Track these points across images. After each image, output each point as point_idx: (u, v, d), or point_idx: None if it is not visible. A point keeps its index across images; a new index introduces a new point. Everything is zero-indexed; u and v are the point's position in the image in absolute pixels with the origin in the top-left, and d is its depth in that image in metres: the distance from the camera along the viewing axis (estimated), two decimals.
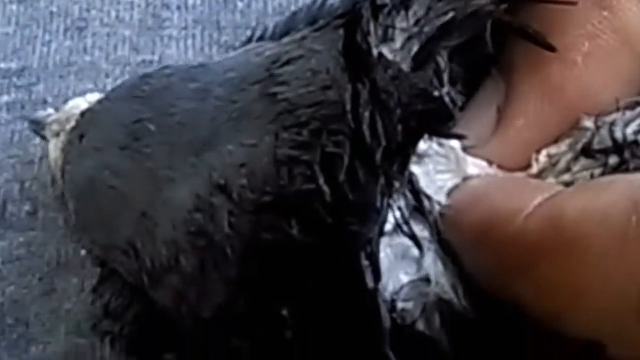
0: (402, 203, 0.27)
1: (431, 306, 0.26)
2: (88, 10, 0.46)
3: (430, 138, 0.28)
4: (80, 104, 0.38)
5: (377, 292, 0.25)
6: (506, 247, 0.26)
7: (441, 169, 0.28)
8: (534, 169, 0.29)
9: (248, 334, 0.27)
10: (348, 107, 0.27)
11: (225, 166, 0.28)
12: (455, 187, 0.28)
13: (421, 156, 0.28)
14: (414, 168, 0.28)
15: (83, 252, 0.38)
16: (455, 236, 0.27)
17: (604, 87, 0.28)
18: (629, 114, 0.28)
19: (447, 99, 0.27)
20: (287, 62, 0.29)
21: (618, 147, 0.28)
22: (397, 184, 0.26)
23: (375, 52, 0.27)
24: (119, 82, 0.43)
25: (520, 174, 0.29)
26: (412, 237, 0.27)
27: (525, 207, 0.26)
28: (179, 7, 0.46)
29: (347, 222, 0.26)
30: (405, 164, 0.27)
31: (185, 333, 0.29)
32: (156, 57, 0.44)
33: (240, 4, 0.46)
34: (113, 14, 0.46)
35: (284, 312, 0.26)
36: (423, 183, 0.28)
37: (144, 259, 0.30)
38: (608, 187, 0.25)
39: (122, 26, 0.46)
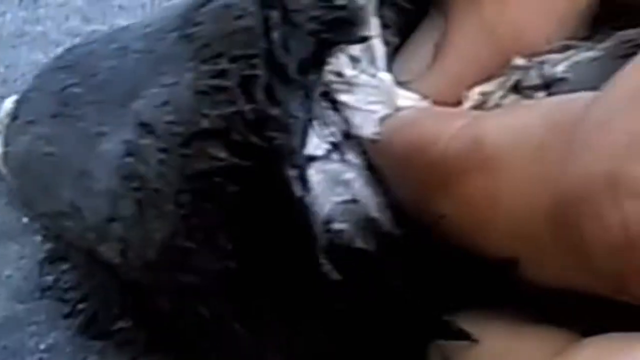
0: (333, 130, 0.28)
1: (361, 225, 0.27)
2: None
3: (357, 67, 0.29)
4: None
5: (305, 201, 0.26)
6: (430, 168, 0.26)
7: (372, 99, 0.29)
8: (466, 105, 0.29)
9: (194, 269, 0.28)
10: (260, 30, 0.27)
11: (149, 108, 0.29)
12: (387, 116, 0.29)
13: (351, 84, 0.29)
14: (344, 97, 0.29)
15: (25, 219, 0.38)
16: (385, 160, 0.28)
17: (536, 26, 0.29)
18: (560, 55, 0.29)
19: (356, 6, 0.28)
20: (202, 5, 0.30)
21: (547, 83, 0.28)
22: (315, 94, 0.27)
23: None
24: None
25: (453, 109, 0.29)
26: (343, 161, 0.28)
27: (450, 129, 0.27)
28: None
29: (271, 137, 0.27)
30: (319, 74, 0.28)
31: (135, 287, 0.30)
32: (106, 27, 0.45)
33: None
34: None
35: (224, 241, 0.27)
36: (353, 111, 0.29)
37: (87, 216, 0.30)
38: (526, 108, 0.26)
39: None
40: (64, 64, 0.33)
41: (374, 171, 0.28)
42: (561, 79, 0.29)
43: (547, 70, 0.29)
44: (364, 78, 0.29)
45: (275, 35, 0.27)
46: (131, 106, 0.29)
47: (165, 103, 0.28)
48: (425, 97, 0.30)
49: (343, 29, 0.28)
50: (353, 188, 0.28)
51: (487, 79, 0.29)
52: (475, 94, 0.29)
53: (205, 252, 0.27)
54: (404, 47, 0.31)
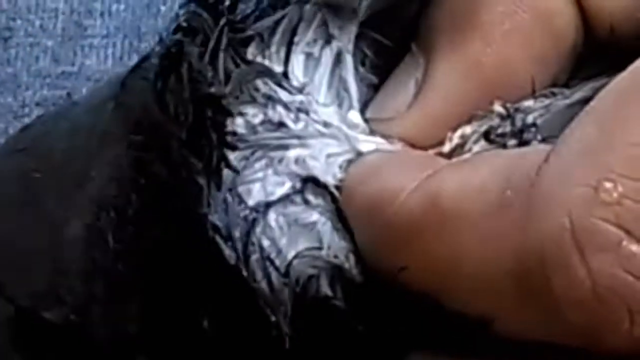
0: (286, 179, 0.29)
1: (326, 272, 0.27)
2: (14, 20, 0.45)
3: (300, 119, 0.29)
4: None
5: (239, 266, 0.27)
6: (390, 224, 0.26)
7: (331, 151, 0.29)
8: (446, 147, 0.29)
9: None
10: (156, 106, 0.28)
11: (99, 188, 0.29)
12: (350, 161, 0.29)
13: (301, 138, 0.29)
14: (296, 151, 0.29)
15: None
16: (348, 209, 0.28)
17: (521, 66, 0.29)
18: (537, 104, 0.29)
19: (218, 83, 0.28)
20: (132, 70, 0.30)
21: (517, 131, 0.28)
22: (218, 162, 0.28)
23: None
24: (38, 95, 0.42)
25: (430, 152, 0.29)
26: (306, 203, 0.28)
27: (410, 183, 0.26)
28: (102, 14, 0.45)
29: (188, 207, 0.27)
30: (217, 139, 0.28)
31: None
32: (75, 69, 0.44)
33: (163, 8, 0.44)
34: (37, 23, 0.45)
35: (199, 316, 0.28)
36: (311, 163, 0.29)
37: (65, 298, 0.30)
38: (482, 162, 0.26)
39: (45, 36, 0.45)
40: (22, 147, 0.33)
41: (340, 215, 0.28)
42: (533, 125, 0.28)
43: (520, 118, 0.28)
44: (313, 130, 0.29)
45: (171, 105, 0.28)
46: (86, 187, 0.29)
47: (111, 180, 0.29)
48: (401, 137, 0.29)
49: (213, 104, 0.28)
50: (318, 232, 0.28)
51: (470, 119, 0.29)
52: (457, 136, 0.29)
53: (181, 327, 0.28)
54: (385, 84, 0.30)
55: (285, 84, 0.29)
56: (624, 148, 0.23)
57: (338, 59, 0.30)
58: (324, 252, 0.28)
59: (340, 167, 0.29)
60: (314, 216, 0.28)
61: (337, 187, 0.28)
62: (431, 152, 0.29)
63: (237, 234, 0.27)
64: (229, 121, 0.28)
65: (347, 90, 0.30)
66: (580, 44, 0.29)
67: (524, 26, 0.28)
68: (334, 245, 0.28)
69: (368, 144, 0.29)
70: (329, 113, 0.29)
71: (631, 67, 0.24)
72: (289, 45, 0.29)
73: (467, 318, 0.25)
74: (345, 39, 0.30)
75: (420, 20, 0.30)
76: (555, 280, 0.23)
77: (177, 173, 0.27)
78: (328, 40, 0.30)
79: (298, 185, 0.28)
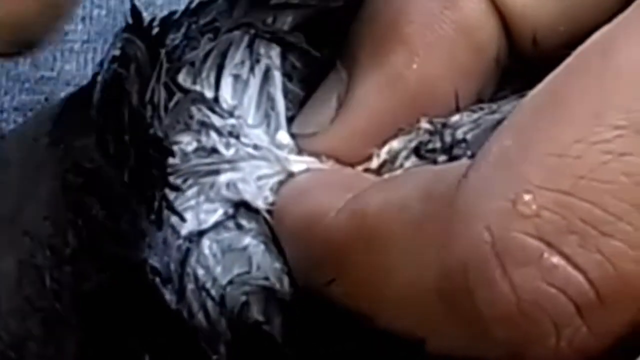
0: (219, 205, 0.28)
1: (257, 296, 0.27)
2: None
3: (232, 145, 0.29)
4: None
5: (178, 309, 0.27)
6: (319, 244, 0.26)
7: (261, 173, 0.29)
8: (374, 163, 0.29)
9: None
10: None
11: (33, 224, 0.29)
12: (282, 183, 0.29)
13: (232, 162, 0.29)
14: (227, 175, 0.28)
15: None
16: (279, 230, 0.28)
17: (444, 80, 0.28)
18: (465, 118, 0.28)
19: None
20: (66, 108, 0.30)
21: (447, 147, 0.28)
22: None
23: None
24: (16, 100, 0.42)
25: (358, 168, 0.29)
26: (239, 228, 0.28)
27: (338, 202, 0.26)
28: (83, 19, 0.45)
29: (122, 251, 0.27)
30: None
31: None
32: (55, 73, 0.43)
33: (145, 14, 0.44)
34: None
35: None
36: (242, 187, 0.28)
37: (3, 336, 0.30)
38: (408, 178, 0.26)
39: None
40: None
41: (271, 237, 0.28)
42: (463, 140, 0.28)
43: (447, 135, 0.28)
44: (244, 153, 0.29)
45: (111, 148, 0.28)
46: (20, 222, 0.29)
47: (46, 218, 0.28)
48: (325, 155, 0.29)
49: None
50: (249, 256, 0.28)
51: (396, 134, 0.29)
52: (384, 152, 0.29)
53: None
54: (310, 100, 0.30)
55: (217, 108, 0.29)
56: (542, 158, 0.23)
57: (266, 77, 0.30)
58: (254, 275, 0.28)
59: (271, 189, 0.29)
60: (246, 240, 0.28)
61: (269, 211, 0.28)
62: (359, 168, 0.29)
63: (172, 266, 0.27)
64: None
65: (274, 109, 0.30)
66: (504, 57, 0.29)
67: (447, 39, 0.28)
68: (266, 267, 0.28)
69: (299, 164, 0.29)
70: (259, 134, 0.29)
71: (546, 80, 0.24)
72: (219, 70, 0.29)
73: (398, 336, 0.25)
74: (274, 54, 0.30)
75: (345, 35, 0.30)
76: (479, 296, 0.23)
77: (118, 217, 0.27)
78: (257, 59, 0.30)
79: (230, 210, 0.28)
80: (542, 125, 0.23)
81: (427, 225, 0.24)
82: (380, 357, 0.26)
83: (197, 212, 0.28)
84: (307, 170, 0.29)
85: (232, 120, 0.29)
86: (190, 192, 0.28)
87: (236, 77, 0.29)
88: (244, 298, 0.27)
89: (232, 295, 0.27)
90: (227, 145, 0.29)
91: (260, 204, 0.28)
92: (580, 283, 0.22)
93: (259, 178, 0.29)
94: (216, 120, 0.29)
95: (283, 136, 0.29)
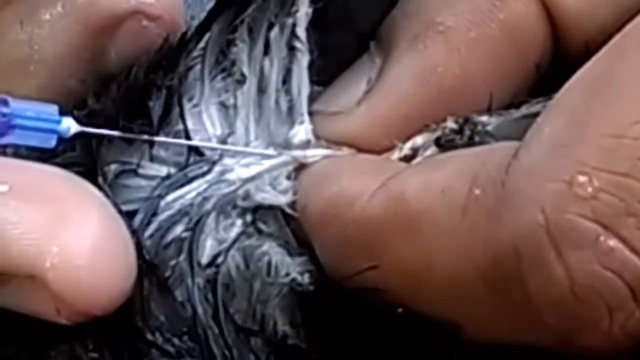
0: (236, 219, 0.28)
1: (283, 302, 0.27)
2: None
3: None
4: None
5: None
6: (351, 230, 0.26)
7: (275, 167, 0.28)
8: (395, 155, 0.28)
9: None
10: None
11: None
12: (296, 170, 0.28)
13: (247, 180, 0.28)
14: (243, 188, 0.28)
15: None
16: (304, 218, 0.27)
17: (482, 79, 0.28)
18: (493, 119, 0.28)
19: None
20: None
21: (469, 137, 0.28)
22: None
23: None
24: None
25: (374, 156, 0.28)
26: (259, 233, 0.28)
27: (370, 185, 0.26)
28: None
29: None
30: None
31: None
32: None
33: None
34: None
35: None
36: (256, 192, 0.28)
37: None
38: (447, 161, 0.25)
39: None
40: None
41: (291, 236, 0.28)
42: (485, 132, 0.27)
43: (470, 129, 0.28)
44: (252, 166, 0.28)
45: None
46: None
47: None
48: (345, 134, 0.28)
49: None
50: (270, 259, 0.27)
51: (420, 130, 0.28)
52: (407, 148, 0.28)
53: None
54: (337, 80, 0.29)
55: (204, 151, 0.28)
56: (598, 139, 0.22)
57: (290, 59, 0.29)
58: (276, 280, 0.27)
59: (289, 177, 0.28)
60: (266, 245, 0.28)
61: (290, 205, 0.28)
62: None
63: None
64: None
65: (292, 99, 0.29)
66: (546, 62, 0.28)
67: (491, 38, 0.27)
68: (287, 266, 0.27)
69: (314, 156, 0.28)
70: (263, 143, 0.29)
71: (595, 58, 0.24)
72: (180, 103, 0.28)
73: (438, 323, 0.24)
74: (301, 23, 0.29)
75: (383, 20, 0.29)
76: (531, 280, 0.22)
77: None
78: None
79: (249, 218, 0.28)
80: (596, 105, 0.23)
81: (473, 208, 0.23)
82: (415, 346, 0.25)
83: (216, 236, 0.28)
84: (325, 158, 0.28)
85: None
86: (210, 219, 0.28)
87: (221, 105, 0.29)
88: (269, 311, 0.27)
89: (260, 312, 0.27)
90: (229, 167, 0.28)
91: (278, 200, 0.28)
92: (637, 267, 0.22)
93: (271, 173, 0.28)
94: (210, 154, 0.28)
95: (301, 131, 0.29)
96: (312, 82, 0.29)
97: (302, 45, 0.29)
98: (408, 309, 0.25)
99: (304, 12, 0.29)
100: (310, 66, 0.29)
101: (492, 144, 0.26)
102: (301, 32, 0.29)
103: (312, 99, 0.29)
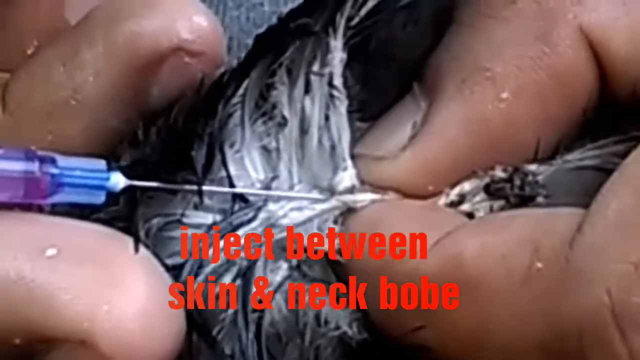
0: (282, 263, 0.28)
1: (334, 350, 0.27)
2: None
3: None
4: None
5: None
6: (403, 286, 0.25)
7: (322, 212, 0.28)
8: (442, 201, 0.28)
9: None
10: None
11: None
12: (345, 219, 0.28)
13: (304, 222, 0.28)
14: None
15: None
16: (352, 267, 0.27)
17: (529, 125, 0.27)
18: (542, 168, 0.27)
19: None
20: None
21: (519, 186, 0.27)
22: None
23: None
24: None
25: (422, 202, 0.28)
26: (304, 276, 0.28)
27: (421, 242, 0.25)
28: None
29: None
30: None
31: None
32: None
33: None
34: None
35: None
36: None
37: None
38: (507, 224, 0.25)
39: None
40: None
41: (339, 284, 0.27)
42: (536, 182, 0.27)
43: (517, 180, 0.27)
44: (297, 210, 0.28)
45: None
46: None
47: None
48: (390, 179, 0.28)
49: None
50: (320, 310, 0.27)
51: (468, 176, 0.27)
52: (454, 194, 0.28)
53: None
54: (379, 121, 0.29)
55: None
56: None
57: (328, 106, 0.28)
58: (324, 330, 0.27)
59: (335, 221, 0.28)
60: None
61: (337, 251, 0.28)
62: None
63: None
64: None
65: (334, 146, 0.28)
66: (593, 107, 0.28)
67: (539, 84, 0.27)
68: (335, 316, 0.27)
69: (362, 201, 0.28)
70: (308, 185, 0.28)
71: None
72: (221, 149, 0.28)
73: None
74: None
75: (427, 58, 0.28)
76: (593, 358, 0.22)
77: None
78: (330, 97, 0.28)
79: (294, 262, 0.28)
80: None
81: (535, 280, 0.23)
82: None
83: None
84: (373, 203, 0.28)
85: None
86: (258, 266, 0.28)
87: (263, 149, 0.28)
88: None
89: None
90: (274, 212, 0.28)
91: (325, 245, 0.28)
92: None
93: (321, 217, 0.28)
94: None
95: (346, 177, 0.28)
96: (351, 113, 0.29)
97: (339, 93, 0.28)
98: None
99: (338, 58, 0.28)
100: (351, 102, 0.29)
101: (552, 210, 0.26)
102: (337, 80, 0.28)
103: (354, 135, 0.29)
